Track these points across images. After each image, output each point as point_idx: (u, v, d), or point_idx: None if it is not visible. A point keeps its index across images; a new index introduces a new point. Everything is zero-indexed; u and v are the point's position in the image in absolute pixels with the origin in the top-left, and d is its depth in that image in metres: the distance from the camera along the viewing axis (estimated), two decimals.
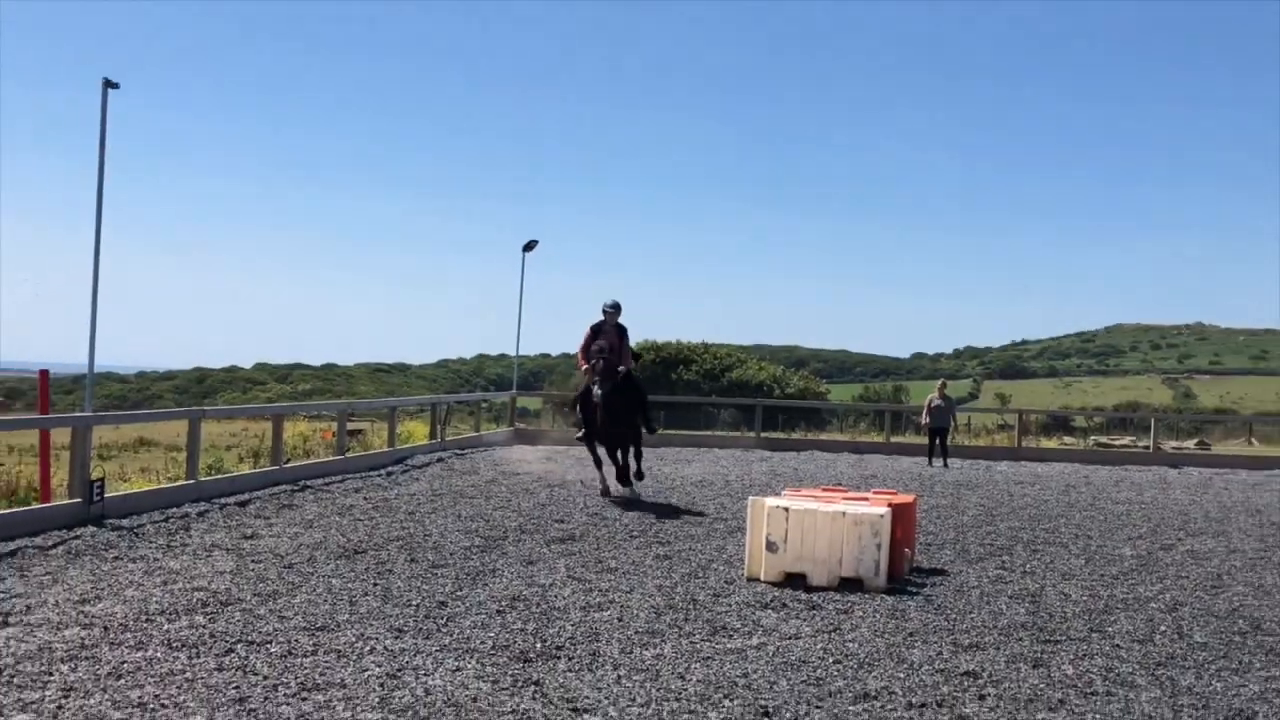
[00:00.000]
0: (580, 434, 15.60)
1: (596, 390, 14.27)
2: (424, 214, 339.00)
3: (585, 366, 15.04)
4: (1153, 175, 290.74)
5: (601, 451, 15.81)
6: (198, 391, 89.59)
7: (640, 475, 15.53)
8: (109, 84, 14.34)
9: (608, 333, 14.68)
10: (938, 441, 24.94)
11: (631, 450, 15.31)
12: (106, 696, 6.01)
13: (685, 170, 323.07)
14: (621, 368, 14.73)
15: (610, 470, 15.26)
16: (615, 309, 14.91)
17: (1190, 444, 34.48)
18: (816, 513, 9.93)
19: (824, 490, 11.88)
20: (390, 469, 18.63)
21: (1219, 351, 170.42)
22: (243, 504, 13.69)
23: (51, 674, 6.37)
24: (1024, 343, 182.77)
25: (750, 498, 10.76)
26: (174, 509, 12.93)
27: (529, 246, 30.13)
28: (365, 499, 14.69)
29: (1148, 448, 29.68)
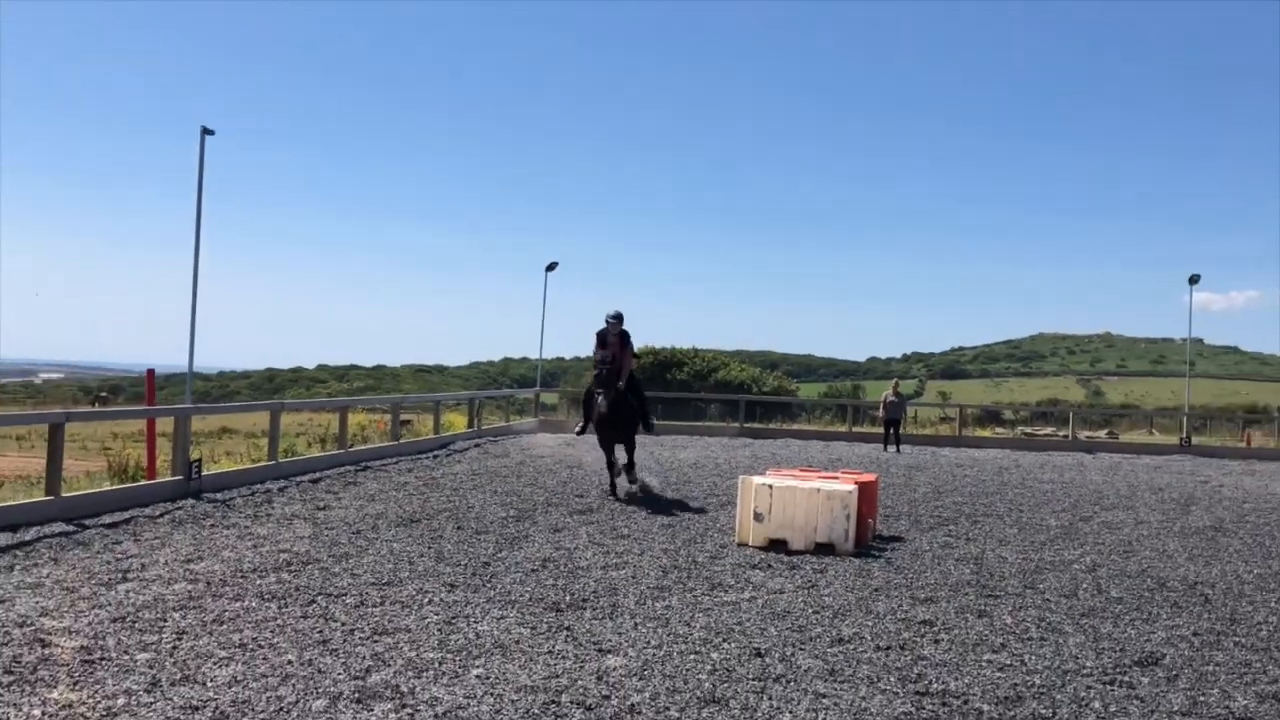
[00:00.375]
0: (579, 429, 14.26)
1: (600, 401, 12.99)
2: (460, 239, 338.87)
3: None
4: (1070, 207, 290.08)
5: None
6: (269, 388, 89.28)
7: (632, 476, 13.69)
8: (206, 131, 14.34)
9: (611, 341, 13.33)
10: (892, 431, 24.91)
11: (624, 448, 13.70)
12: (212, 639, 6.04)
13: (681, 204, 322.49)
14: (621, 383, 13.18)
15: (618, 473, 13.69)
16: (617, 319, 13.45)
17: (1101, 434, 34.40)
18: (796, 489, 9.95)
19: (800, 471, 11.87)
20: (436, 453, 18.61)
21: (1124, 357, 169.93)
22: (315, 481, 13.68)
23: (165, 620, 6.41)
24: (961, 349, 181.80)
25: (740, 477, 10.74)
26: (258, 485, 12.96)
27: (551, 267, 30.10)
28: (416, 477, 14.66)
29: (1066, 437, 29.64)
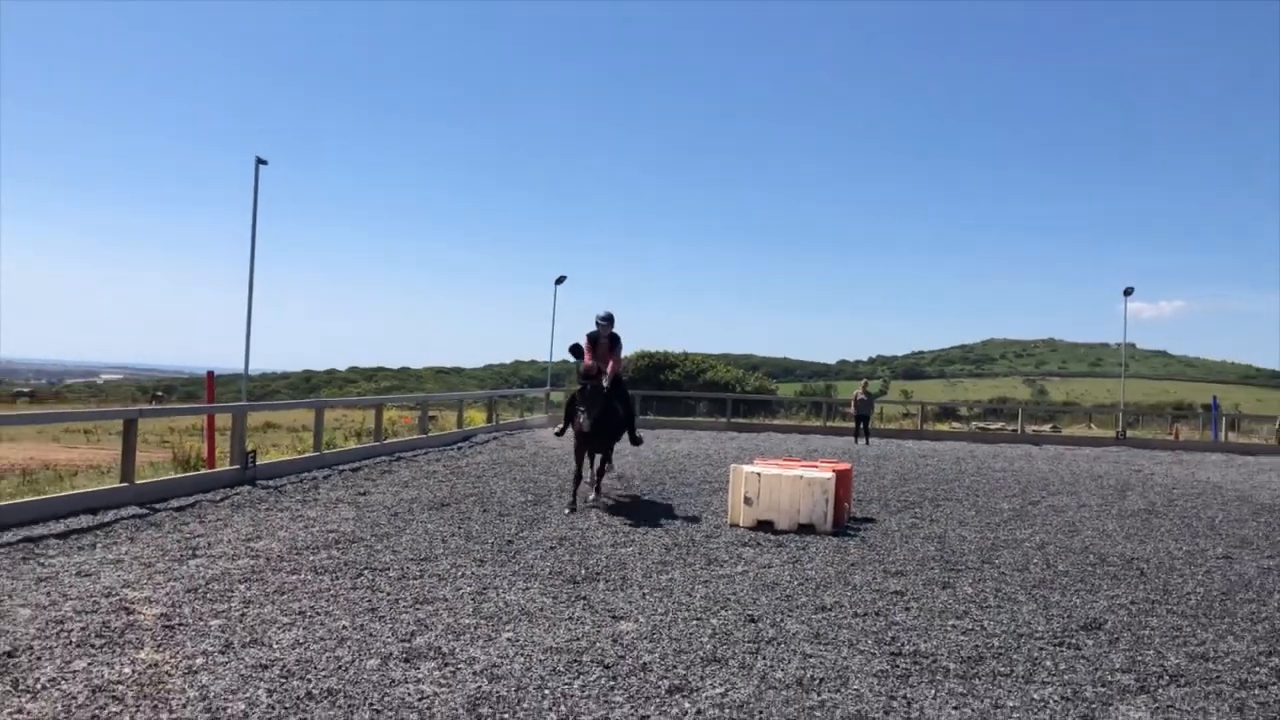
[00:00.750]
0: (558, 430, 12.13)
1: (583, 419, 10.77)
2: (476, 254, 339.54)
3: (582, 371, 11.18)
4: (1019, 226, 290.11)
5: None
6: (305, 388, 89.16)
7: (599, 486, 11.55)
8: (260, 161, 14.34)
9: (601, 344, 11.50)
10: (862, 425, 24.98)
11: (600, 458, 11.67)
12: (274, 607, 6.12)
13: (673, 223, 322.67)
14: (606, 382, 11.06)
15: (584, 486, 11.35)
16: (608, 320, 11.61)
17: (1046, 428, 34.47)
18: (780, 476, 10.02)
19: (784, 460, 11.95)
20: (459, 445, 18.65)
21: (1065, 359, 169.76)
22: (355, 470, 13.70)
23: (232, 591, 6.48)
24: (921, 352, 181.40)
25: (731, 465, 10.80)
26: (305, 473, 12.99)
27: (560, 280, 30.14)
28: (444, 466, 14.68)
29: (1016, 431, 29.72)
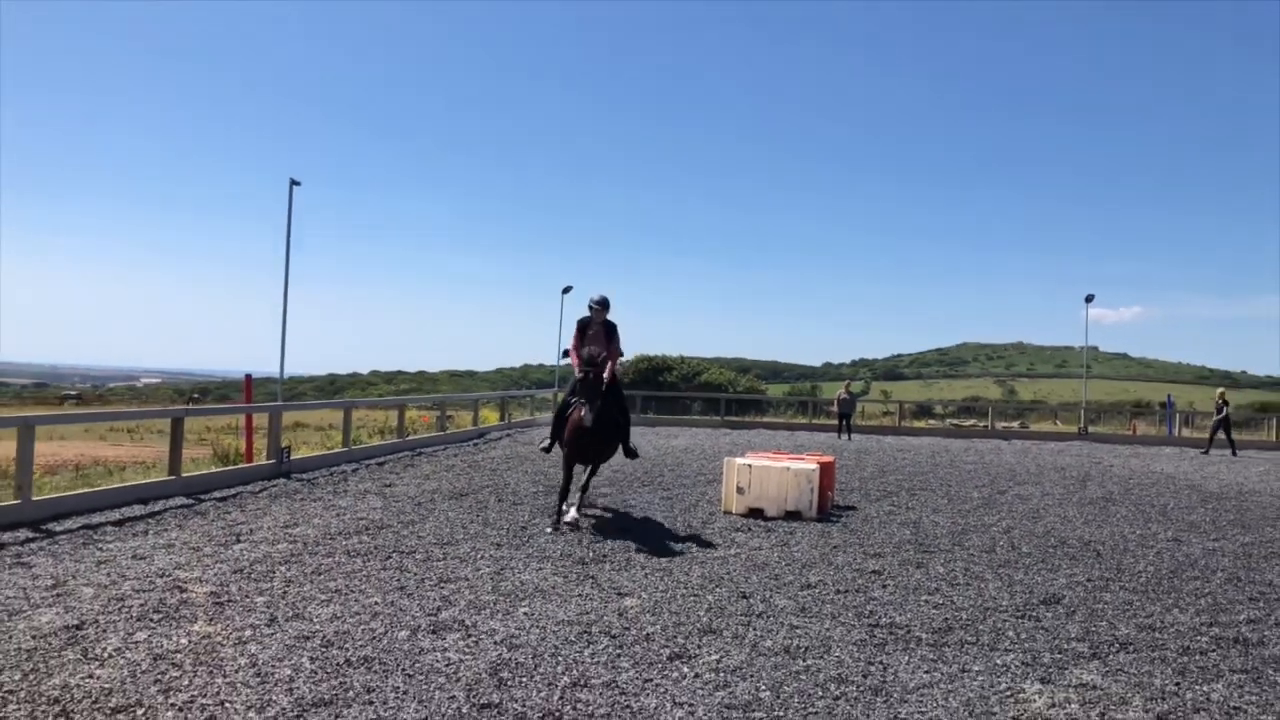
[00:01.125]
0: (545, 445, 9.72)
1: (585, 413, 8.73)
2: (488, 264, 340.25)
3: (577, 366, 9.12)
4: (990, 239, 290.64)
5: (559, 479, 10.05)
6: (330, 390, 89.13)
7: (585, 501, 9.48)
8: (294, 182, 14.41)
9: (594, 332, 9.33)
10: (845, 422, 25.14)
11: (589, 471, 9.43)
12: (313, 586, 6.26)
13: (672, 234, 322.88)
14: (606, 374, 8.99)
15: (571, 503, 9.13)
16: (603, 305, 9.33)
17: (1015, 424, 34.63)
18: (770, 467, 10.16)
19: (773, 454, 12.08)
20: (475, 441, 18.79)
21: (1033, 361, 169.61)
22: (380, 464, 13.82)
23: (274, 572, 6.61)
24: (900, 355, 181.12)
25: (725, 458, 10.92)
26: (335, 467, 13.11)
27: (566, 290, 30.21)
28: (461, 460, 14.80)
29: (986, 427, 29.86)
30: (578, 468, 9.32)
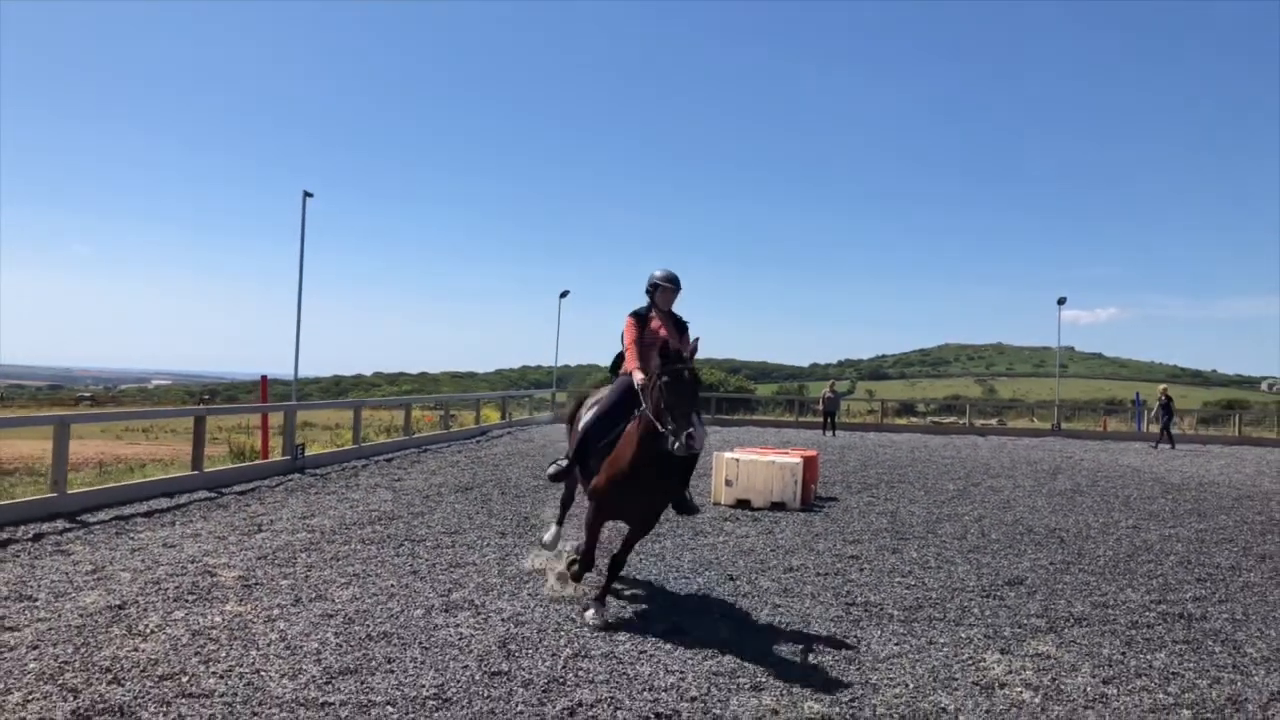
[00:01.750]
0: (558, 468, 6.13)
1: (695, 433, 4.87)
2: (486, 269, 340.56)
3: (634, 365, 5.52)
4: (971, 243, 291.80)
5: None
6: (335, 390, 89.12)
7: (605, 594, 5.67)
8: (306, 194, 14.60)
9: (655, 325, 5.79)
10: (830, 419, 25.43)
11: (635, 537, 5.78)
12: (332, 571, 6.51)
13: (661, 239, 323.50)
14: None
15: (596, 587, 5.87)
16: (674, 284, 5.83)
17: (993, 422, 34.95)
18: (756, 461, 10.42)
19: (760, 449, 12.34)
20: (477, 438, 19.00)
21: (1012, 362, 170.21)
22: (389, 460, 14.03)
23: (295, 559, 6.85)
24: (884, 355, 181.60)
25: (714, 453, 11.18)
26: (346, 463, 13.32)
27: (564, 294, 30.59)
28: (465, 456, 15.01)
29: (965, 424, 30.19)
30: (613, 527, 5.92)
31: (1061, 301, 30.55)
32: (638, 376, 5.41)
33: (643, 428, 5.19)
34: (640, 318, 5.84)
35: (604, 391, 6.01)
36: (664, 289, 5.84)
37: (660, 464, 5.19)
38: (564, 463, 6.06)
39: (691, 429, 4.89)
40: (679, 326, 5.88)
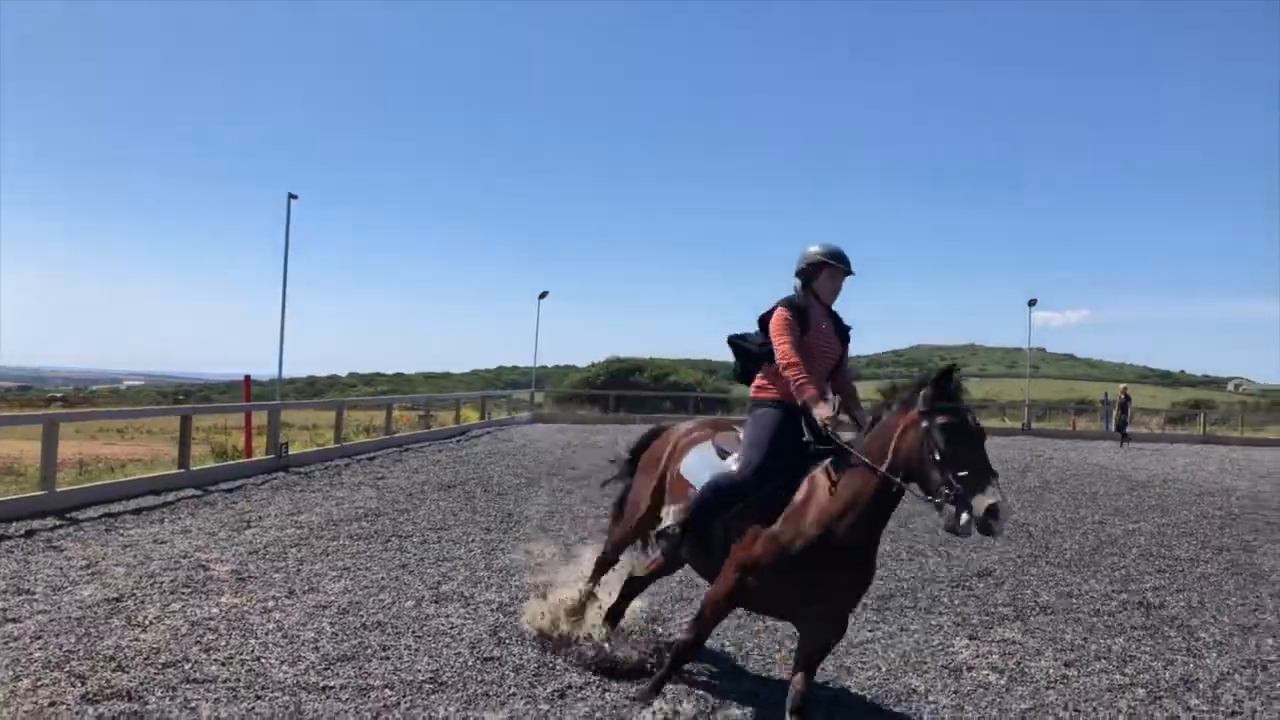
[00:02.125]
0: (671, 529, 4.03)
1: (966, 512, 3.22)
2: (461, 268, 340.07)
3: (823, 406, 3.68)
4: (944, 244, 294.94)
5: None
6: (310, 391, 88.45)
7: None
8: (291, 196, 14.64)
9: (815, 327, 3.94)
10: None
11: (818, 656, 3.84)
12: (323, 564, 6.66)
13: (643, 241, 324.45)
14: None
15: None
16: (846, 263, 4.00)
17: None
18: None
19: None
20: (458, 438, 19.08)
21: (985, 362, 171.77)
22: (371, 459, 14.11)
23: (286, 554, 6.99)
24: (858, 356, 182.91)
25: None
26: (330, 461, 13.41)
27: (543, 295, 30.74)
28: (447, 455, 15.14)
29: None
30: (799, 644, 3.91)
31: (1032, 303, 31.09)
32: (822, 411, 3.72)
33: (873, 485, 3.54)
34: (799, 311, 3.97)
35: (710, 429, 4.39)
36: (833, 269, 4.03)
37: (867, 542, 3.73)
38: (676, 530, 4.01)
39: (996, 499, 3.23)
40: (840, 332, 4.16)
